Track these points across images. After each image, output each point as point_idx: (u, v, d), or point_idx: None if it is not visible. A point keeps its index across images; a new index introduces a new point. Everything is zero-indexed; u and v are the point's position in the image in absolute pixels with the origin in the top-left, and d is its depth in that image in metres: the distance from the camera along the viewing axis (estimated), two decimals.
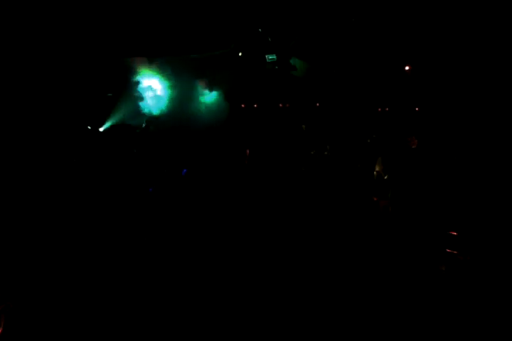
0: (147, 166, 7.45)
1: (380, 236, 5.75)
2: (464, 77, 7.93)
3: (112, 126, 9.01)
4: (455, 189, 6.54)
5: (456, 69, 7.89)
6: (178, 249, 5.11)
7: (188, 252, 5.00)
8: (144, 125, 8.61)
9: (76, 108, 8.33)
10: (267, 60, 7.27)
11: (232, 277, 4.40)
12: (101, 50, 7.83)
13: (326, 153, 8.53)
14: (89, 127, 8.70)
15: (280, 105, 9.75)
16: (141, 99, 9.75)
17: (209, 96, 9.83)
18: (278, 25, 7.05)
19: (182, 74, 9.45)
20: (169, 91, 9.81)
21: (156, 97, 9.84)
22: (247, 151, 8.40)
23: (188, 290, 4.12)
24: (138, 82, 9.63)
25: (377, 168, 7.64)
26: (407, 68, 8.72)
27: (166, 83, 9.75)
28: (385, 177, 7.42)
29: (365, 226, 6.12)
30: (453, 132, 8.36)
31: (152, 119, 9.13)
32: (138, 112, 9.65)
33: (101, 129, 9.26)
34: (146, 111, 9.78)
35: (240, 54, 7.55)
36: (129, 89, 9.53)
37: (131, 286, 4.17)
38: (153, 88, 9.79)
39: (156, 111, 9.81)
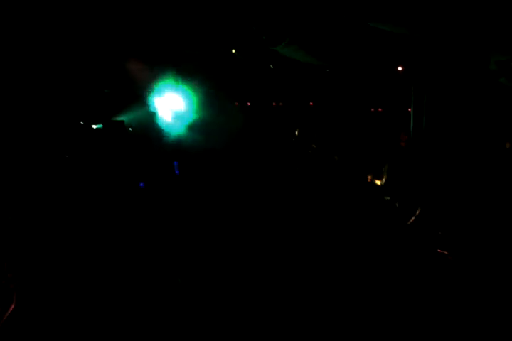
0: (139, 161, 7.45)
1: (374, 235, 5.76)
2: (458, 78, 7.99)
3: (105, 123, 9.00)
4: (448, 189, 6.57)
5: (451, 69, 7.95)
6: (172, 246, 5.09)
7: (183, 250, 4.98)
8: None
9: (70, 103, 8.32)
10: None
11: (230, 276, 4.38)
12: (97, 47, 7.81)
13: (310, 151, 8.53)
14: (81, 122, 8.71)
15: (273, 104, 9.80)
16: (138, 97, 9.76)
17: (203, 95, 9.86)
18: (272, 23, 7.07)
19: (178, 73, 9.47)
20: (165, 90, 9.83)
21: (153, 96, 9.86)
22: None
23: (183, 290, 4.10)
24: (136, 80, 9.64)
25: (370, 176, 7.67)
26: (399, 69, 8.80)
27: (164, 82, 9.78)
28: (380, 182, 7.45)
29: (361, 225, 6.13)
30: (447, 132, 8.40)
31: (144, 117, 9.14)
32: (133, 110, 9.66)
33: (94, 126, 9.27)
34: (141, 109, 9.79)
35: (233, 51, 7.57)
36: (126, 87, 9.53)
37: (126, 282, 4.15)
38: (150, 87, 9.81)
39: (151, 109, 9.82)
